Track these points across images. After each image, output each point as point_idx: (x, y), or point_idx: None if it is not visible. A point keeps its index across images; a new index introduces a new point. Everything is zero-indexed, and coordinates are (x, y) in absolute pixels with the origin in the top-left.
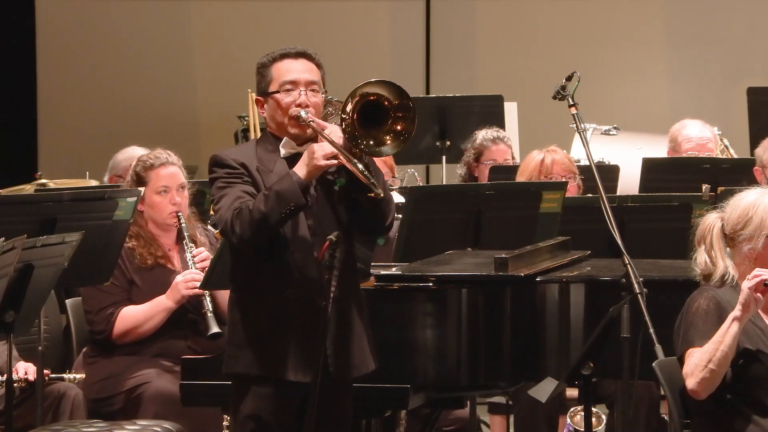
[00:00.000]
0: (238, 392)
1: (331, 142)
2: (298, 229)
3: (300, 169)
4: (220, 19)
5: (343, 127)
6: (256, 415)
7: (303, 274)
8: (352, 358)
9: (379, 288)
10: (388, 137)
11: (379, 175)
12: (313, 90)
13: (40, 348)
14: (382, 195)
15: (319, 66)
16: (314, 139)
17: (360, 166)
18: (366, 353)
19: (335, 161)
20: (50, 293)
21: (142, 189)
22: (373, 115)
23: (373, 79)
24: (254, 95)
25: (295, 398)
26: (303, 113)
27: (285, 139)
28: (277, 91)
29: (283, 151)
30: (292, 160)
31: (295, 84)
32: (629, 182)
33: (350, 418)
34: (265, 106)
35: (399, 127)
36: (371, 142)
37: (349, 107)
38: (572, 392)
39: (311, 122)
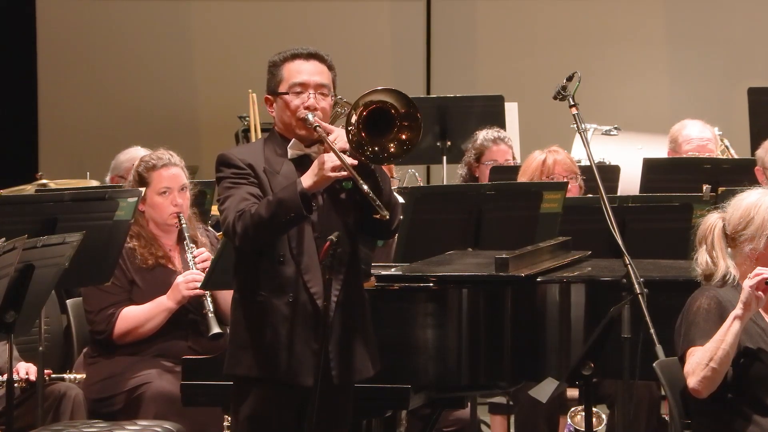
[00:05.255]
0: (238, 393)
1: (336, 153)
2: (303, 232)
3: (307, 179)
4: (220, 19)
5: (349, 133)
6: (257, 416)
7: (307, 277)
8: (354, 362)
9: (380, 288)
10: (392, 145)
11: (386, 181)
12: (322, 93)
13: (40, 348)
14: (387, 217)
15: (330, 68)
16: (321, 141)
17: (365, 187)
18: (367, 358)
19: (344, 173)
20: (51, 293)
21: (142, 189)
22: (379, 123)
23: (380, 87)
24: (254, 95)
25: (296, 401)
26: (310, 116)
27: (293, 140)
28: (286, 93)
29: (290, 152)
30: (300, 161)
31: (304, 86)
32: (630, 182)
33: (350, 421)
34: (274, 105)
35: (404, 136)
36: (376, 149)
37: (356, 114)
38: (573, 392)
39: (317, 127)
